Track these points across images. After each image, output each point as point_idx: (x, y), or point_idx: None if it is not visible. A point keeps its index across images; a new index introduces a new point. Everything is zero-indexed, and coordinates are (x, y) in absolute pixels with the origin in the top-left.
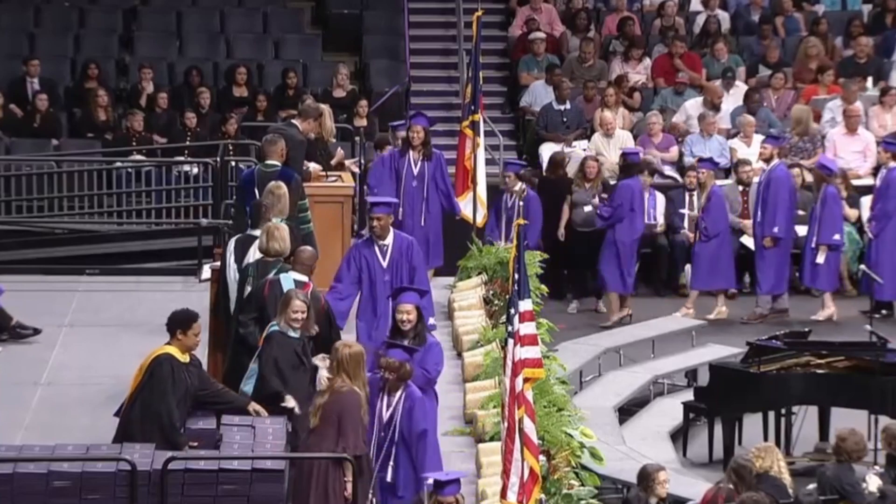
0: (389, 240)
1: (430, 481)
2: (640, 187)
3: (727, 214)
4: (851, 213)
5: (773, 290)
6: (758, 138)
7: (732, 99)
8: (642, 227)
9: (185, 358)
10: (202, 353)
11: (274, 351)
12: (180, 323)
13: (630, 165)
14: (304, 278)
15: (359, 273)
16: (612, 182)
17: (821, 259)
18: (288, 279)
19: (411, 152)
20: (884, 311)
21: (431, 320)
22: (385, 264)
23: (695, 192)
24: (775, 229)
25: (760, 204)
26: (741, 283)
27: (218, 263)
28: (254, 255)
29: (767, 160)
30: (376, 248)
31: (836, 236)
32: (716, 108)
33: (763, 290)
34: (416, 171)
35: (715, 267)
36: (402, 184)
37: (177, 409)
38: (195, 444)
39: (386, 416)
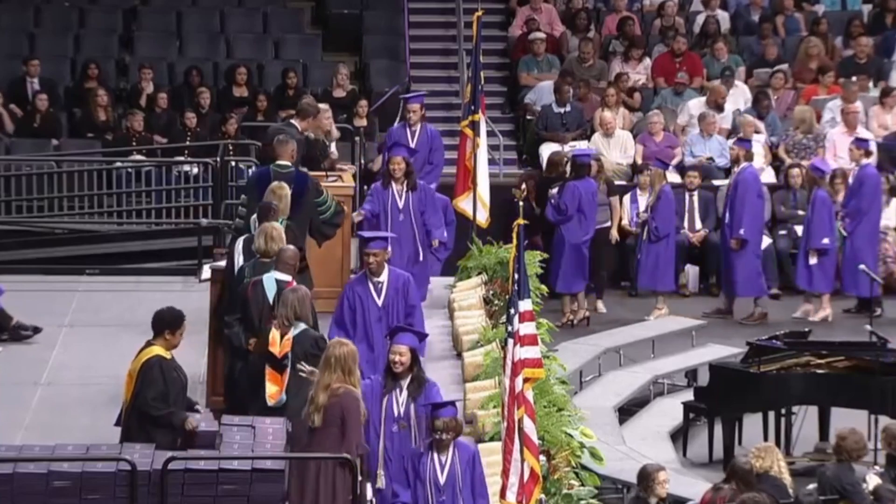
0: (384, 276)
1: None
2: (591, 189)
3: (674, 215)
4: None
5: (757, 293)
6: (759, 138)
7: (732, 99)
8: (591, 229)
9: (169, 356)
10: (202, 354)
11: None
12: (170, 323)
13: (578, 166)
14: (288, 277)
15: (353, 313)
16: (617, 182)
17: (812, 261)
18: (270, 279)
19: (394, 185)
20: (877, 311)
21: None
22: (380, 303)
23: (695, 193)
24: (741, 231)
25: (728, 206)
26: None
27: (218, 263)
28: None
29: (735, 162)
30: (371, 286)
31: (825, 240)
32: (719, 107)
33: (742, 293)
34: (401, 204)
35: (660, 268)
36: (388, 219)
37: (174, 406)
38: (194, 424)
39: (443, 477)
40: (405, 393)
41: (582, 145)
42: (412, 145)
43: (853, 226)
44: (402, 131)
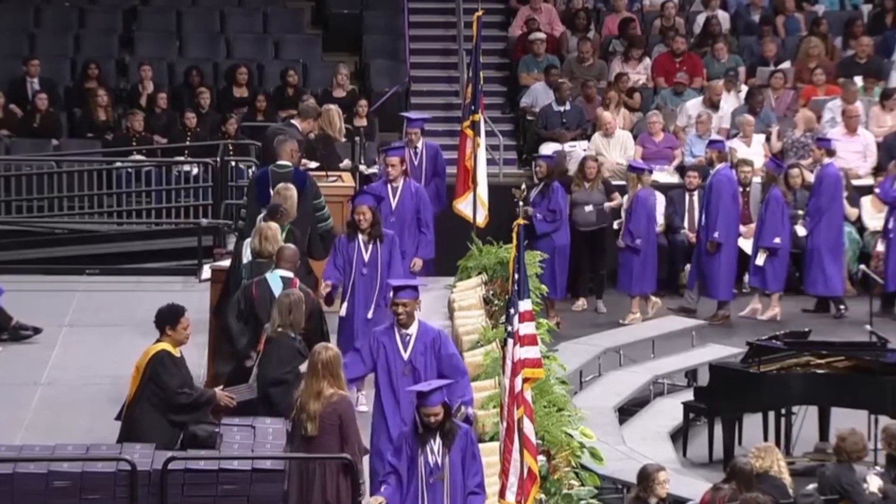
0: (414, 329)
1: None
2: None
3: (654, 218)
4: (852, 212)
5: (729, 296)
6: (758, 138)
7: (734, 99)
8: (567, 232)
9: (177, 353)
10: (202, 354)
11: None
12: (168, 318)
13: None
14: (290, 275)
15: (374, 363)
16: (614, 182)
17: (760, 261)
18: (274, 277)
19: (360, 236)
20: (842, 307)
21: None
22: (406, 356)
23: (695, 193)
24: (716, 234)
25: (704, 208)
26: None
27: (218, 263)
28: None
29: (711, 164)
30: (397, 337)
31: (777, 240)
32: (714, 106)
33: (715, 295)
34: (366, 256)
35: (636, 271)
36: (352, 271)
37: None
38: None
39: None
40: (440, 444)
41: (582, 145)
42: (392, 205)
43: (812, 224)
44: (381, 189)
